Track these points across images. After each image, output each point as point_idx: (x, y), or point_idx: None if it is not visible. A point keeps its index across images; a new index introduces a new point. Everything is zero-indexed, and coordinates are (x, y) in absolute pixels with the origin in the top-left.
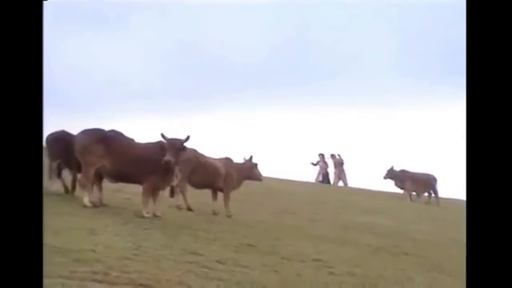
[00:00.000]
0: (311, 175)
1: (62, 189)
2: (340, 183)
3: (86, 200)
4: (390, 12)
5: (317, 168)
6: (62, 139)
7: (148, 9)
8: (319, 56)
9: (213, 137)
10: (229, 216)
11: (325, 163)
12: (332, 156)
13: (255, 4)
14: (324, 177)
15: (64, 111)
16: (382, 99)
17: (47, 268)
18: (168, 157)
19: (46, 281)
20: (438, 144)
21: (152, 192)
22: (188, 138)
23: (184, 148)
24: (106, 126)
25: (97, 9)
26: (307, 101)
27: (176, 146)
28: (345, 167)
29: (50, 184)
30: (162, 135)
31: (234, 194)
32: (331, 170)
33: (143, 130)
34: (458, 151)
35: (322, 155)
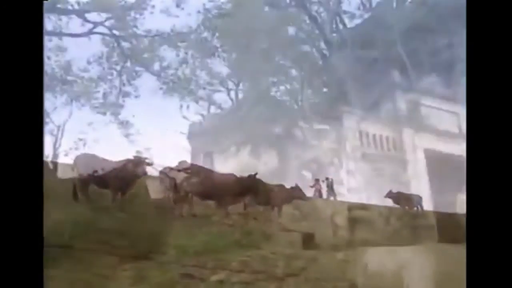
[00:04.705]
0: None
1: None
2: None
3: (183, 211)
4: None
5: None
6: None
7: None
8: None
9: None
10: (280, 223)
11: (320, 185)
12: (326, 179)
13: None
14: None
15: None
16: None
17: (165, 258)
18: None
19: (165, 266)
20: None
21: (227, 206)
22: (256, 174)
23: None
24: None
25: None
26: None
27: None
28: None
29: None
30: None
31: (285, 208)
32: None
33: None
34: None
35: (317, 180)
